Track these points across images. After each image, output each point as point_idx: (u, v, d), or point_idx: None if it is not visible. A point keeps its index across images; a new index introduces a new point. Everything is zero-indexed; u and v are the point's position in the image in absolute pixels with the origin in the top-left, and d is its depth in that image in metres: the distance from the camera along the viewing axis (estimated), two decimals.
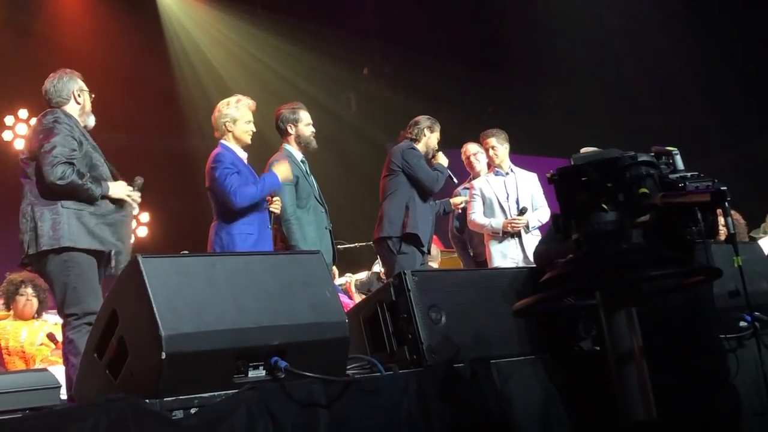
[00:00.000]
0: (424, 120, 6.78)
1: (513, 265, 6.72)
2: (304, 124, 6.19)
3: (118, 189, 5.01)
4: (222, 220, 5.64)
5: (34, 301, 6.40)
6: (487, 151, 7.07)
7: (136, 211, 5.24)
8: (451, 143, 7.21)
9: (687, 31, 11.75)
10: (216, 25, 12.47)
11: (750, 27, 11.74)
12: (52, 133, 4.77)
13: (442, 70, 12.35)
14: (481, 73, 12.60)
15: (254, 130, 5.86)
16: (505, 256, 6.84)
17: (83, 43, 10.43)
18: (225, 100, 5.85)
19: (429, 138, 6.71)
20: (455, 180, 6.96)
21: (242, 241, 5.56)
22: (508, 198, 6.95)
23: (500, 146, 7.05)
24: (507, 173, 7.05)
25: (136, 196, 5.13)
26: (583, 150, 7.00)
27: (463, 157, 7.48)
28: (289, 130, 6.15)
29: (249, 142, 5.83)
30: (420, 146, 6.69)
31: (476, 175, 7.30)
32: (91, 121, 5.16)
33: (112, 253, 4.78)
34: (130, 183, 5.09)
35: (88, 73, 5.32)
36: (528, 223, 6.86)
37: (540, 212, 6.99)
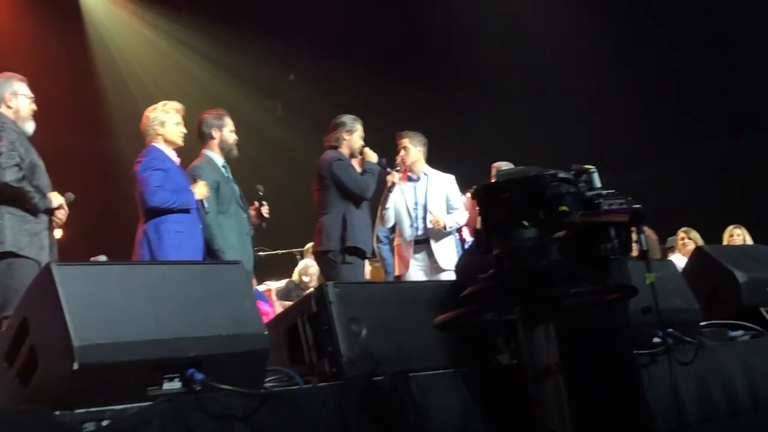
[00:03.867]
0: (340, 124, 6.71)
1: (420, 272, 6.77)
2: (229, 130, 6.18)
3: (57, 199, 4.98)
4: (149, 218, 5.60)
5: None
6: (399, 150, 7.09)
7: (59, 234, 5.20)
8: (379, 150, 7.19)
9: (615, 46, 12.01)
10: (140, 26, 12.32)
11: (680, 42, 12.05)
12: (1, 136, 4.73)
13: (370, 77, 12.39)
14: (409, 79, 12.66)
15: (185, 131, 5.86)
16: (400, 257, 6.87)
17: (1, 41, 10.19)
18: (152, 106, 5.82)
19: (350, 140, 6.65)
20: (389, 169, 6.89)
21: (170, 239, 5.53)
22: (417, 205, 6.97)
23: (413, 147, 7.06)
24: (419, 177, 7.07)
25: (59, 198, 5.10)
26: (495, 165, 7.15)
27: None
28: (214, 135, 6.13)
29: (181, 143, 5.83)
30: (344, 150, 6.64)
31: None
32: (29, 128, 5.08)
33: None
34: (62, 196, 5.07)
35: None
36: (445, 223, 6.89)
37: (456, 215, 7.03)
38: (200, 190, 5.78)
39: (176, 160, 5.84)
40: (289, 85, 13.60)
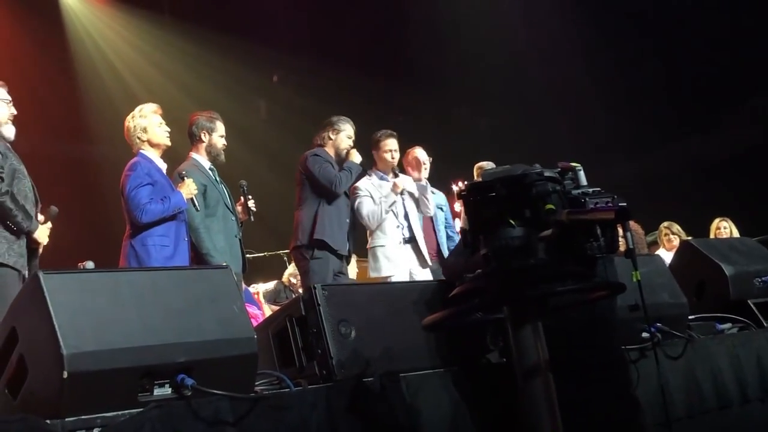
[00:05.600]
0: (327, 123, 6.73)
1: (405, 271, 6.74)
2: (219, 134, 6.16)
3: (43, 235, 4.95)
4: (135, 231, 5.56)
5: None
6: (390, 152, 7.02)
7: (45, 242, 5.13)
8: (360, 151, 7.17)
9: (593, 44, 12.05)
10: (121, 28, 12.24)
11: (652, 39, 12.12)
12: None
13: (353, 79, 12.40)
14: (391, 82, 12.69)
15: (169, 130, 5.82)
16: (390, 259, 6.81)
17: None
18: (129, 116, 5.79)
19: (336, 139, 6.67)
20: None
21: (157, 253, 5.48)
22: (396, 204, 6.94)
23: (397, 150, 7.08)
24: (392, 177, 7.06)
25: (47, 227, 5.06)
26: (479, 165, 7.18)
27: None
28: (203, 138, 6.11)
29: (167, 143, 5.81)
30: (329, 149, 6.66)
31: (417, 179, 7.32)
32: (7, 132, 4.99)
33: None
34: (45, 211, 5.01)
35: None
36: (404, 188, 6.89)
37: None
38: (188, 189, 5.74)
39: (163, 166, 5.81)
40: (272, 86, 13.58)
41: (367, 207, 6.83)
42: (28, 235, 4.86)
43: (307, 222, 6.44)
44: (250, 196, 6.28)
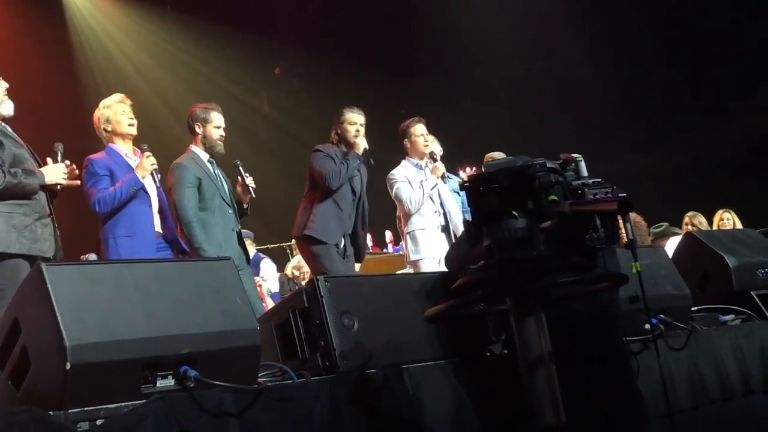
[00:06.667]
0: (333, 118, 6.68)
1: (435, 261, 6.72)
2: (213, 126, 6.06)
3: (54, 173, 4.83)
4: (101, 225, 5.55)
5: None
6: (422, 136, 7.04)
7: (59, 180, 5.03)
8: (373, 141, 7.12)
9: (596, 36, 12.03)
10: (123, 22, 12.23)
11: (658, 31, 12.09)
12: None
13: (355, 72, 12.40)
14: (394, 75, 12.67)
15: (132, 117, 5.71)
16: (430, 242, 6.78)
17: None
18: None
19: (342, 132, 6.61)
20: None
21: (115, 246, 5.41)
22: (431, 189, 6.94)
23: None
24: (425, 164, 7.08)
25: (65, 166, 5.01)
26: (489, 155, 7.17)
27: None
28: (197, 130, 6.05)
29: (132, 132, 5.70)
30: (339, 144, 6.62)
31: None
32: (5, 109, 4.92)
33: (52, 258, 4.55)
34: (51, 152, 4.97)
35: None
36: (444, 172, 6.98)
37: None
38: (144, 164, 5.59)
39: (130, 155, 5.72)
40: (275, 79, 13.56)
41: (406, 191, 6.86)
42: (45, 187, 4.77)
43: (303, 215, 6.45)
44: (247, 174, 6.19)
